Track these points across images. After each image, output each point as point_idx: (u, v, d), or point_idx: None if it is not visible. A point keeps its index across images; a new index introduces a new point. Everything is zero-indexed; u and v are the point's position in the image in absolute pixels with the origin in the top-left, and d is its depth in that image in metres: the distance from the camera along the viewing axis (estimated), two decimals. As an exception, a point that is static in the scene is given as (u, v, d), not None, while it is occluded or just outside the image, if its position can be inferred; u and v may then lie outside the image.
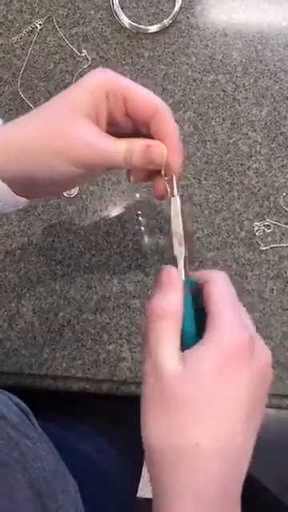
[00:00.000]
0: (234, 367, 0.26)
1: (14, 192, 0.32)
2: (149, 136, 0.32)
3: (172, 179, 0.32)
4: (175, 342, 0.27)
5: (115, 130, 0.33)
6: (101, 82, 0.30)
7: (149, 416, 0.27)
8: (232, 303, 0.28)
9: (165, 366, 0.26)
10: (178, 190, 0.32)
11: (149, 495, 0.28)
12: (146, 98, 0.31)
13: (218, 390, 0.25)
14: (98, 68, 0.32)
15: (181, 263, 0.31)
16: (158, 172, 0.33)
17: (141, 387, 0.27)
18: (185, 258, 0.31)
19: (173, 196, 0.32)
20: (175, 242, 0.31)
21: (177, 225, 0.31)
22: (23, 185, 0.32)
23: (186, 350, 0.27)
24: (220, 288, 0.28)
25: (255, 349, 0.26)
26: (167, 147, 0.31)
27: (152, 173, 0.34)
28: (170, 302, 0.28)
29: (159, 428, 0.26)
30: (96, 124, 0.31)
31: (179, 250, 0.31)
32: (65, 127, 0.30)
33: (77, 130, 0.30)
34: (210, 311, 0.27)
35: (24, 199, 0.33)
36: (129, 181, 0.35)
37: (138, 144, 0.31)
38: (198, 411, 0.25)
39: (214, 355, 0.26)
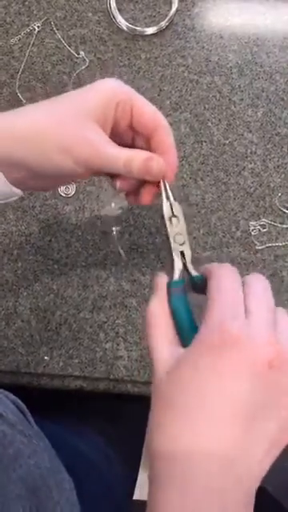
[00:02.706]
0: (214, 366, 0.24)
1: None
2: (146, 150, 0.34)
3: (165, 184, 0.34)
4: (166, 345, 0.27)
5: (115, 140, 0.34)
6: (114, 91, 0.32)
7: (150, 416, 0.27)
8: (223, 299, 0.26)
9: (155, 369, 0.27)
10: (170, 195, 0.33)
11: (145, 497, 0.28)
12: (152, 114, 0.33)
13: (195, 389, 0.24)
14: (110, 78, 0.33)
15: (177, 263, 0.31)
16: (147, 183, 0.35)
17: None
18: (182, 256, 0.32)
19: (167, 199, 0.33)
20: (172, 243, 0.32)
21: (170, 228, 0.32)
22: (20, 175, 0.32)
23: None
24: (214, 283, 0.27)
25: (245, 346, 0.24)
26: (165, 162, 0.33)
27: (140, 183, 0.35)
28: (156, 307, 0.29)
29: (153, 429, 0.26)
30: (102, 129, 0.32)
31: (175, 249, 0.32)
32: (75, 126, 0.31)
33: (86, 131, 0.31)
34: (206, 307, 0.27)
35: (18, 190, 0.34)
36: (114, 188, 0.36)
37: (139, 154, 0.32)
38: (176, 411, 0.25)
39: (194, 354, 0.25)
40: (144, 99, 0.33)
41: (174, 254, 0.32)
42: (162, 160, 0.33)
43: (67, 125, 0.31)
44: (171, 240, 0.32)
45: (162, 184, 0.34)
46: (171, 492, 0.25)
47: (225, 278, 0.27)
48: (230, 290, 0.27)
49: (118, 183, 0.35)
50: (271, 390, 0.24)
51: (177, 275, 0.31)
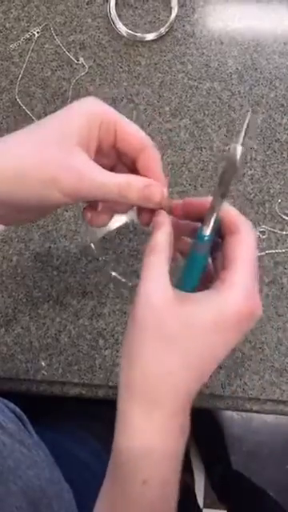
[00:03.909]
0: (236, 330, 0.27)
1: None
2: (131, 169, 0.33)
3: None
4: (163, 274, 0.28)
5: (99, 160, 0.32)
6: (96, 111, 0.30)
7: (138, 345, 0.28)
8: (253, 267, 0.28)
9: (155, 299, 0.27)
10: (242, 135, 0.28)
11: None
12: (136, 134, 0.31)
13: (207, 342, 0.27)
14: (89, 97, 0.31)
15: (211, 217, 0.29)
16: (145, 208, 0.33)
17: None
18: (216, 216, 0.29)
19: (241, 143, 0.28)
20: (217, 195, 0.28)
21: (231, 177, 0.28)
22: (3, 212, 0.31)
23: (195, 294, 0.28)
24: (246, 249, 0.28)
25: (258, 316, 0.28)
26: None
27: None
28: (155, 238, 0.29)
29: (148, 356, 0.27)
30: (86, 152, 0.31)
31: (219, 204, 0.28)
32: (58, 156, 0.29)
33: (71, 160, 0.29)
34: (233, 267, 0.28)
35: (1, 226, 0.33)
36: (84, 218, 0.35)
37: (135, 181, 0.31)
38: (184, 352, 0.27)
39: (221, 315, 0.27)
40: (127, 120, 0.31)
41: (218, 205, 0.28)
42: (161, 185, 0.31)
43: (48, 154, 0.29)
44: (220, 189, 0.28)
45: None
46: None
47: (255, 245, 0.29)
48: (256, 261, 0.28)
49: (89, 214, 0.34)
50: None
51: (209, 229, 0.29)
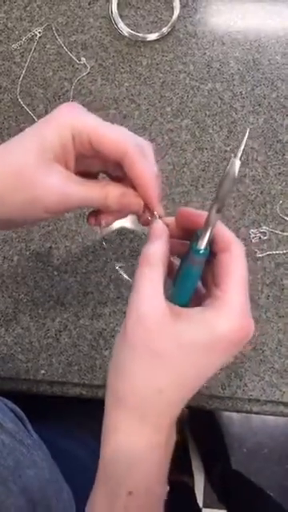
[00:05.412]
0: (228, 350, 0.27)
1: None
2: (118, 173, 0.32)
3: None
4: (157, 287, 0.27)
5: (87, 165, 0.32)
6: (67, 123, 0.29)
7: (125, 357, 0.27)
8: (246, 286, 0.28)
9: (147, 315, 0.27)
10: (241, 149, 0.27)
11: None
12: (112, 141, 0.29)
13: (199, 361, 0.27)
14: (66, 103, 0.31)
15: (207, 231, 0.28)
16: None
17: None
18: (211, 230, 0.28)
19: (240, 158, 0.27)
20: (214, 209, 0.27)
21: (229, 188, 0.27)
22: None
23: (189, 311, 0.28)
24: (239, 267, 0.28)
25: (250, 336, 0.27)
26: (143, 190, 0.31)
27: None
28: (150, 249, 0.29)
29: (137, 371, 0.27)
30: (64, 165, 0.30)
31: (215, 218, 0.28)
32: (35, 176, 0.29)
33: (48, 177, 0.29)
34: (226, 285, 0.27)
35: None
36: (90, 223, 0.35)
37: (112, 190, 0.31)
38: (175, 370, 0.27)
39: (215, 335, 0.26)
40: (105, 127, 0.30)
41: (214, 219, 0.27)
42: (135, 194, 0.31)
43: (26, 176, 0.29)
44: (217, 203, 0.27)
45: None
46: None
47: (246, 264, 0.28)
48: (247, 279, 0.28)
49: (93, 220, 0.34)
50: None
51: (204, 243, 0.28)
